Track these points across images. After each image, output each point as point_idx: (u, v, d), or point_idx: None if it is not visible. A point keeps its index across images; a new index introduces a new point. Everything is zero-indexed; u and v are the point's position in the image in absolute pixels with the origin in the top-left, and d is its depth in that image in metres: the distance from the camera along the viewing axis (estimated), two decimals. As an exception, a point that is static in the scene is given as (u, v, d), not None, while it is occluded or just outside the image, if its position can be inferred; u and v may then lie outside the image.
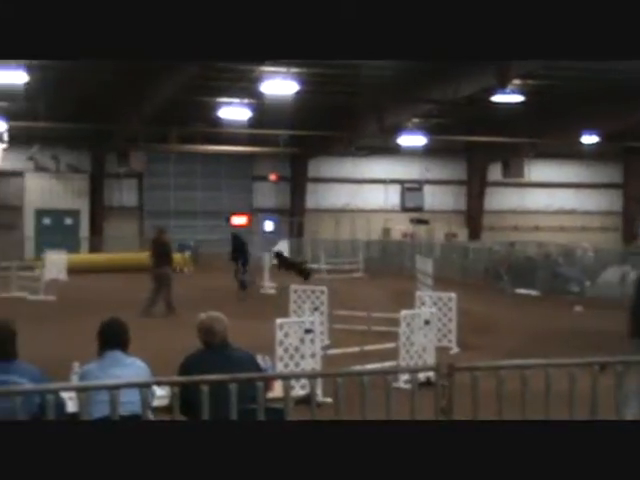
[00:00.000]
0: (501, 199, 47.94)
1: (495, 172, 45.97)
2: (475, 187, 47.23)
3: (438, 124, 39.59)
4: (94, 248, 39.10)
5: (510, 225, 46.83)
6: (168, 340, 15.32)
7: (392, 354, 12.37)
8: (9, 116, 35.33)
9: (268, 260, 27.37)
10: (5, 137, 37.12)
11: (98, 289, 26.36)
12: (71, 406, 6.19)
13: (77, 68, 29.88)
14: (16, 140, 37.40)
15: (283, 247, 39.20)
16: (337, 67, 30.38)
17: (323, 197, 45.40)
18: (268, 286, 26.00)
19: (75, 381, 6.90)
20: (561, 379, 5.73)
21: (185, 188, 42.43)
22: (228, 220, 41.60)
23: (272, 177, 44.06)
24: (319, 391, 9.06)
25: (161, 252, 20.86)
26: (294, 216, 44.28)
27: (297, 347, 11.01)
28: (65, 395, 6.14)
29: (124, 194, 42.28)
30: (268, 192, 44.65)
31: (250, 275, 26.02)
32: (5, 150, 37.68)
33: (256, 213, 43.94)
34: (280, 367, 10.59)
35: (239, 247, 26.48)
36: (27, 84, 29.13)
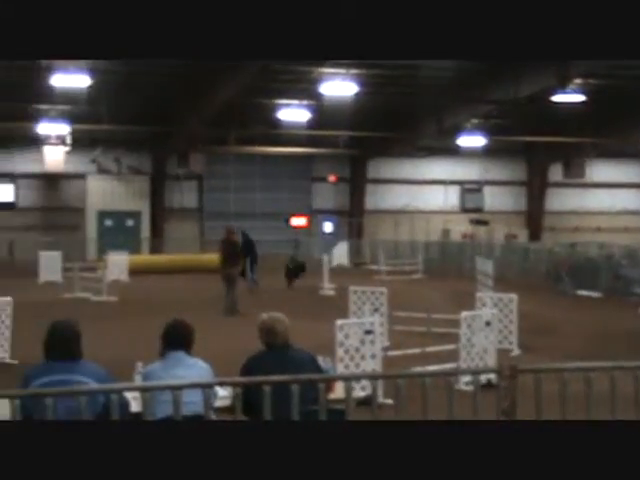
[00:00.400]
0: (562, 200, 47.40)
1: (556, 172, 45.53)
2: (535, 188, 46.79)
3: (498, 124, 39.29)
4: (155, 249, 39.45)
5: (571, 226, 46.22)
6: (229, 340, 15.44)
7: (452, 356, 12.31)
8: (72, 119, 35.87)
9: (327, 262, 27.37)
10: (68, 140, 37.69)
11: (159, 290, 26.60)
12: (134, 406, 6.26)
13: (138, 71, 30.25)
14: (79, 143, 37.95)
15: (342, 249, 39.26)
16: (396, 68, 30.32)
17: (382, 198, 45.30)
18: (327, 287, 26.02)
19: (139, 381, 6.97)
20: (625, 381, 5.67)
21: (244, 190, 42.61)
22: (287, 221, 41.73)
23: (331, 178, 44.07)
24: (380, 392, 9.05)
25: (231, 252, 20.97)
26: (353, 217, 44.26)
27: (357, 348, 11.00)
28: (129, 395, 6.20)
29: (184, 196, 42.60)
30: (327, 193, 44.67)
31: (257, 274, 26.61)
32: (68, 153, 38.23)
33: (315, 214, 44.00)
34: (340, 368, 10.59)
35: (248, 246, 26.89)
36: (90, 87, 29.55)
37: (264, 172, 42.76)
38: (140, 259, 34.21)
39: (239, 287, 20.85)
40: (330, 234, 43.48)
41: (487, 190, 46.57)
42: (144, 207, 40.95)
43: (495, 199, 46.48)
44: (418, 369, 10.43)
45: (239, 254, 21.20)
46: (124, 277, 30.22)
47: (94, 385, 5.76)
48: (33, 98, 33.99)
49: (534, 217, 46.70)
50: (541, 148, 43.71)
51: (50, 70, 28.39)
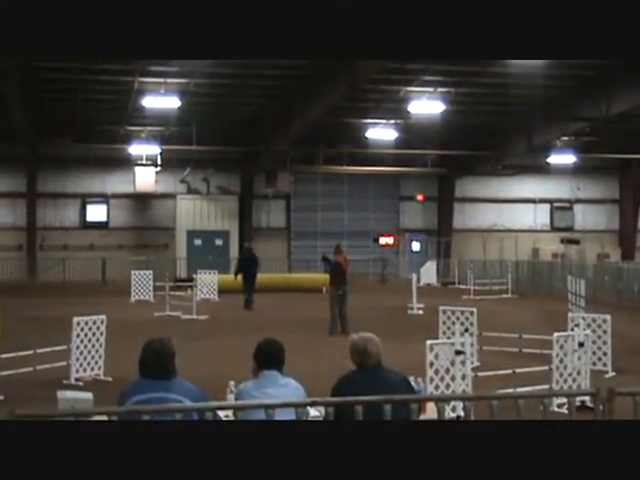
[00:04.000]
0: (656, 218, 46.44)
1: (649, 190, 44.67)
2: (628, 206, 45.92)
3: (589, 142, 38.76)
4: (243, 268, 39.71)
5: (666, 245, 45.29)
6: (317, 360, 15.46)
7: (544, 377, 12.12)
8: (162, 140, 36.53)
9: (415, 281, 27.22)
10: (158, 161, 38.37)
11: (248, 309, 26.83)
12: (227, 424, 6.29)
13: (226, 92, 30.64)
14: (169, 163, 38.59)
15: (430, 268, 39.06)
16: (484, 86, 30.16)
17: (470, 217, 45.02)
18: (416, 307, 25.88)
19: (231, 400, 7.01)
20: None
21: (332, 209, 42.74)
22: (376, 240, 41.67)
23: (419, 197, 43.96)
24: (471, 414, 8.94)
25: (344, 271, 21.39)
26: (441, 236, 44.02)
27: (448, 369, 10.91)
28: (221, 413, 6.23)
29: (272, 215, 42.93)
30: (415, 212, 44.54)
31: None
32: (158, 173, 38.88)
33: (403, 233, 43.90)
34: (430, 389, 10.51)
35: (252, 263, 27.49)
36: (179, 109, 30.04)
37: (351, 191, 42.86)
38: (229, 278, 34.40)
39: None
40: (418, 253, 43.36)
41: (578, 208, 45.92)
42: (233, 226, 41.34)
43: (587, 217, 45.78)
44: (512, 390, 10.27)
45: (346, 273, 21.63)
46: (214, 296, 30.58)
47: (188, 403, 5.81)
48: (125, 120, 34.73)
49: (627, 236, 45.80)
50: (634, 165, 42.90)
51: (141, 92, 28.96)
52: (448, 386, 10.86)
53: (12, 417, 4.56)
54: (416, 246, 44.13)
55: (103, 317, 14.62)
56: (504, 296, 32.38)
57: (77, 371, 14.10)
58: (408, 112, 30.99)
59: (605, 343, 14.95)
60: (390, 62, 24.63)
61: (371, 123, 34.82)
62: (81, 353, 14.19)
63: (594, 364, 14.08)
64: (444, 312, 15.93)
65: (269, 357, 6.68)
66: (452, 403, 10.23)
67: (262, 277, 34.65)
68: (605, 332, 14.99)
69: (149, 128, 35.87)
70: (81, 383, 13.79)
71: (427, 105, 29.44)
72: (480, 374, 12.56)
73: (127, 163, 38.65)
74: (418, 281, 28.86)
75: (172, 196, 40.81)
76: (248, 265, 28.03)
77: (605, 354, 14.94)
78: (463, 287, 34.55)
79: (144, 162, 38.35)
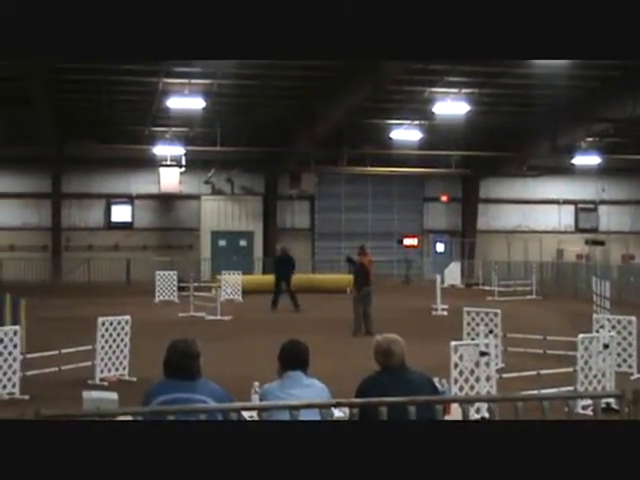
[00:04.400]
0: (682, 219, 46.12)
1: (675, 191, 44.36)
2: (654, 207, 45.65)
3: (614, 143, 38.53)
4: (268, 269, 39.75)
5: (692, 246, 44.92)
6: (342, 361, 15.46)
7: (569, 379, 12.06)
8: (187, 141, 36.64)
9: (439, 282, 27.15)
10: (183, 162, 38.47)
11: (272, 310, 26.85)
12: (251, 425, 6.30)
13: (251, 93, 30.70)
14: (193, 164, 38.69)
15: (454, 269, 38.96)
16: (508, 87, 30.08)
17: (494, 218, 44.86)
18: (440, 308, 25.83)
19: (256, 401, 7.02)
20: None
21: (356, 210, 42.71)
22: (400, 241, 41.60)
23: (444, 198, 43.85)
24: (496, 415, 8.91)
25: (368, 272, 21.53)
26: (465, 237, 43.89)
27: (472, 370, 10.88)
28: (246, 414, 6.25)
29: (296, 216, 42.94)
30: (439, 213, 44.45)
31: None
32: (183, 174, 38.98)
33: (427, 234, 43.81)
34: (455, 390, 10.49)
35: (285, 264, 27.57)
36: (204, 109, 30.10)
37: (375, 192, 42.82)
38: (253, 279, 34.52)
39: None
40: (442, 254, 43.26)
41: (603, 209, 45.68)
42: (257, 227, 41.40)
43: (611, 219, 45.51)
44: (536, 392, 10.22)
45: (369, 274, 21.77)
46: (238, 297, 30.63)
47: (212, 404, 5.82)
48: (149, 121, 34.87)
49: (652, 237, 45.48)
50: (660, 166, 42.63)
51: (166, 93, 29.06)
52: (472, 387, 10.84)
53: (38, 417, 4.60)
54: (440, 247, 44.05)
55: (128, 317, 14.69)
56: (528, 297, 32.24)
57: (102, 371, 14.17)
58: (432, 113, 30.94)
59: (630, 345, 14.87)
60: (414, 63, 24.63)
61: (395, 124, 34.80)
62: (106, 353, 14.26)
63: (619, 366, 14.00)
64: (468, 313, 15.89)
65: (293, 358, 6.68)
66: (476, 404, 10.20)
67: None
68: (630, 334, 14.91)
69: (173, 129, 36.01)
70: (106, 383, 13.86)
71: (452, 106, 29.37)
72: (504, 376, 12.51)
73: (152, 164, 38.78)
74: (442, 282, 28.80)
75: (196, 197, 40.94)
76: (281, 265, 27.97)
77: (630, 356, 14.86)
78: (487, 288, 34.42)
79: (169, 163, 38.46)
